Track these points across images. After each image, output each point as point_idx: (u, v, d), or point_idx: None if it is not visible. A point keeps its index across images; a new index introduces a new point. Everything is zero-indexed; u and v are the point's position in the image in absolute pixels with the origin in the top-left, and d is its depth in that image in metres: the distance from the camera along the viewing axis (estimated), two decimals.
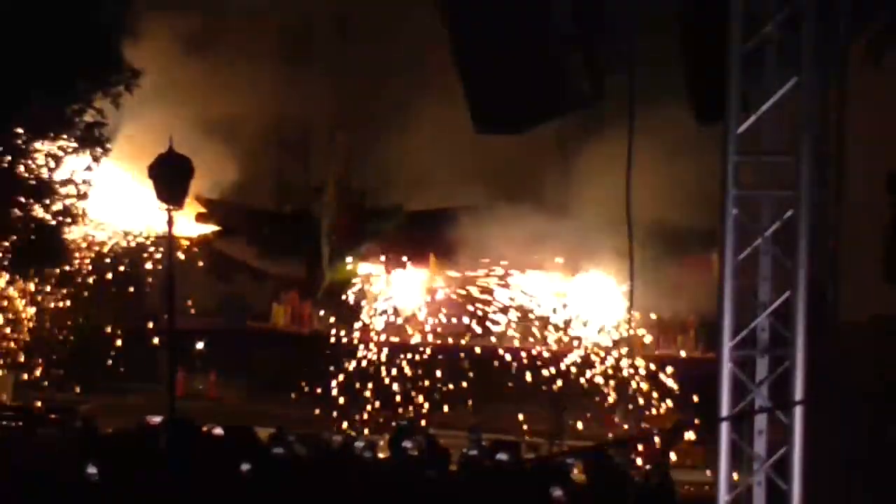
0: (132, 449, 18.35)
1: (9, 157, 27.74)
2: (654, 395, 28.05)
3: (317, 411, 29.56)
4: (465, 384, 29.77)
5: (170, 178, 20.17)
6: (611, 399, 28.80)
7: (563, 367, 29.25)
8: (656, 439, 25.87)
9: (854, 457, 12.12)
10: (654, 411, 27.96)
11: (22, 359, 31.77)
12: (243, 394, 31.73)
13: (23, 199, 27.76)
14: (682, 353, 29.25)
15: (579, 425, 28.47)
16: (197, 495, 16.34)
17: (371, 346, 30.84)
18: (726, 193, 9.76)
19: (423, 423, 28.21)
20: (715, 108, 9.80)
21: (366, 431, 27.86)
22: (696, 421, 26.02)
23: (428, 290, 31.53)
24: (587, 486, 17.69)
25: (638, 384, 28.15)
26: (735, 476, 9.91)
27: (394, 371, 30.54)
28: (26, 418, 25.64)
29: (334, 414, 29.56)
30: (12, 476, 16.82)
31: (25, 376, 31.74)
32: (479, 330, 30.69)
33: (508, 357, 29.69)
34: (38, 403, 29.88)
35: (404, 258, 31.77)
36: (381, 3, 32.91)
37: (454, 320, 31.10)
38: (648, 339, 29.31)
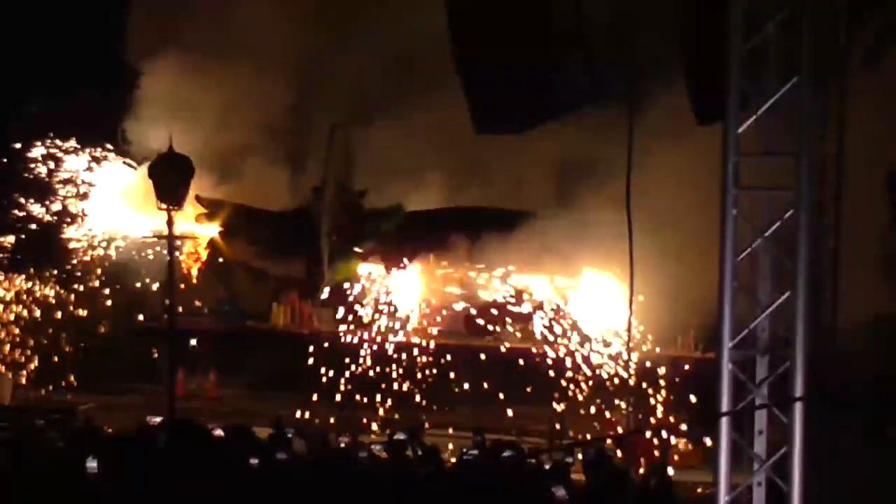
0: (132, 449, 18.34)
1: (9, 158, 27.79)
2: (654, 395, 28.03)
3: (317, 411, 29.56)
4: (465, 384, 29.76)
5: (170, 178, 20.19)
6: (610, 399, 28.79)
7: (562, 366, 29.24)
8: (656, 438, 25.86)
9: (854, 457, 12.13)
10: (653, 411, 27.94)
11: (23, 360, 31.79)
12: (243, 394, 31.73)
13: (23, 200, 27.79)
14: (682, 354, 29.23)
15: (579, 425, 28.47)
16: (197, 495, 16.34)
17: (370, 345, 30.83)
18: (726, 193, 9.77)
19: (424, 425, 28.26)
20: (715, 108, 9.80)
21: (365, 431, 27.84)
22: (696, 420, 26.02)
23: (427, 289, 31.52)
24: (587, 486, 17.68)
25: (637, 384, 28.12)
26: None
27: (393, 371, 30.53)
28: (26, 418, 25.60)
29: (334, 414, 29.54)
30: (13, 476, 16.81)
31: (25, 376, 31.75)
32: (479, 330, 30.68)
33: (508, 357, 29.67)
34: (39, 403, 29.89)
35: (404, 258, 31.76)
36: (383, 2, 32.93)
37: (454, 320, 31.09)
38: (649, 338, 29.26)
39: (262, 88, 33.46)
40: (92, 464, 17.00)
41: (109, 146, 29.86)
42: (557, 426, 27.81)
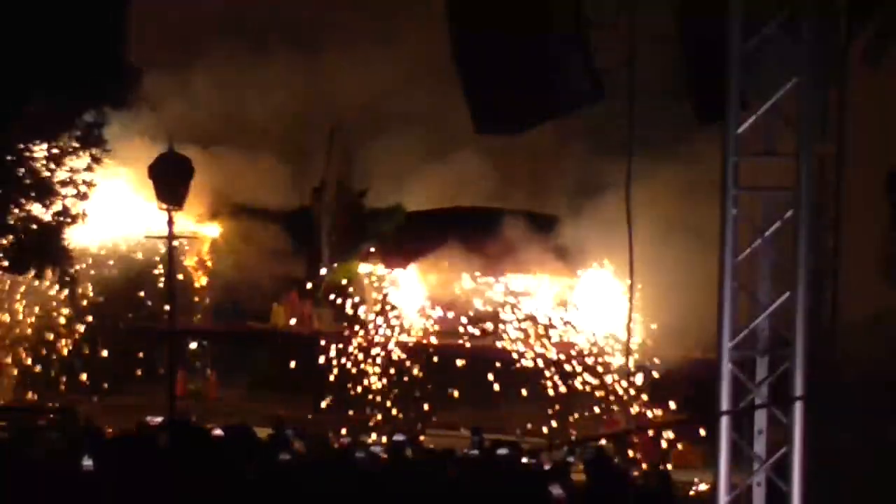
0: (132, 449, 18.36)
1: (9, 157, 27.76)
2: (654, 395, 28.03)
3: (316, 412, 29.60)
4: (464, 384, 29.76)
5: (170, 178, 20.19)
6: (611, 399, 28.80)
7: (562, 367, 29.24)
8: (654, 435, 25.88)
9: (854, 457, 12.12)
10: (653, 412, 27.94)
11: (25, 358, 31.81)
12: (243, 394, 31.74)
13: (23, 200, 27.77)
14: (682, 354, 29.20)
15: (579, 425, 28.48)
16: (197, 495, 16.35)
17: (370, 346, 30.84)
18: (726, 193, 9.75)
19: (424, 425, 28.29)
20: (715, 108, 9.79)
21: (364, 431, 27.87)
22: (696, 420, 26.03)
23: (427, 289, 31.52)
24: (587, 486, 17.71)
25: (638, 384, 28.12)
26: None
27: (392, 371, 30.53)
28: (26, 418, 25.58)
29: (333, 414, 29.56)
30: (13, 476, 16.82)
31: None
32: (477, 330, 30.68)
33: (508, 357, 29.67)
34: (39, 403, 29.90)
35: (404, 258, 31.77)
36: (384, 2, 32.98)
37: (453, 320, 31.09)
38: (649, 338, 29.26)
39: (263, 87, 33.51)
40: (87, 462, 17.03)
41: (109, 146, 29.84)
42: (557, 426, 27.86)
